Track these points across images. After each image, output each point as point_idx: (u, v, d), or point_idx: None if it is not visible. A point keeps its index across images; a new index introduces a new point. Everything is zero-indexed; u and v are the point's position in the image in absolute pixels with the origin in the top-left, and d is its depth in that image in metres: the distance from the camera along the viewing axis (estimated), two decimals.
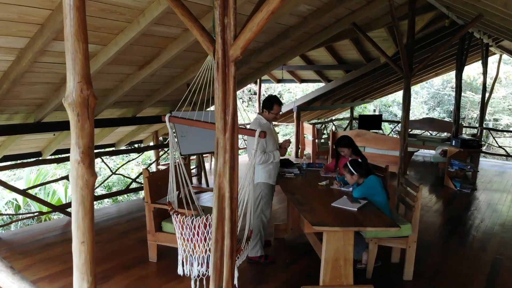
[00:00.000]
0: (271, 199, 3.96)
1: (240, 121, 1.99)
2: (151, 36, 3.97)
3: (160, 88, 5.50)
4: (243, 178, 2.40)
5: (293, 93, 19.20)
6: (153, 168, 7.76)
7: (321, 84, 9.85)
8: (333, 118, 13.78)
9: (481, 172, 8.26)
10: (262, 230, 3.90)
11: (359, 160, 3.79)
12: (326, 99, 10.69)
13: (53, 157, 5.99)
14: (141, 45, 4.11)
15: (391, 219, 3.13)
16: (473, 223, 5.32)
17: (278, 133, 11.85)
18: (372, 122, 10.58)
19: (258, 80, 10.23)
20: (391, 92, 13.41)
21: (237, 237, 2.00)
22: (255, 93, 17.19)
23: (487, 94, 9.30)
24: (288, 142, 4.04)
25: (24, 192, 5.22)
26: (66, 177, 5.64)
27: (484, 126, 9.55)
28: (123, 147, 7.55)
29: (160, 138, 7.74)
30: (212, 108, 6.08)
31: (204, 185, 6.89)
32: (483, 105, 9.18)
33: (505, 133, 17.17)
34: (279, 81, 10.66)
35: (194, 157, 7.37)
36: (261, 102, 4.73)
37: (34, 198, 5.57)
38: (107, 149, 6.98)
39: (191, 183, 3.85)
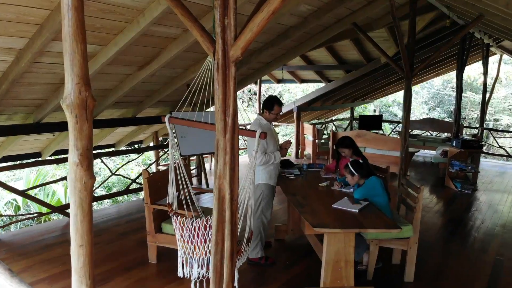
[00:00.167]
0: (272, 200, 3.94)
1: (240, 121, 1.97)
2: (150, 36, 3.95)
3: (160, 88, 5.48)
4: (244, 179, 2.38)
5: (293, 93, 19.18)
6: (153, 168, 7.74)
7: (322, 84, 9.83)
8: (333, 118, 13.77)
9: (481, 172, 8.24)
10: (263, 231, 3.88)
11: (360, 161, 3.78)
12: (326, 99, 10.67)
13: (52, 157, 5.97)
14: (141, 46, 4.09)
15: (392, 220, 3.11)
16: (474, 224, 5.31)
17: (278, 133, 11.83)
18: (373, 122, 10.56)
19: (258, 80, 10.21)
20: (391, 92, 13.40)
21: (237, 239, 1.99)
22: (255, 93, 17.18)
23: (487, 94, 9.28)
24: (288, 143, 4.02)
25: (23, 193, 5.20)
26: (66, 178, 5.61)
27: (484, 126, 9.53)
28: (123, 148, 7.53)
29: (160, 138, 7.72)
30: (212, 108, 6.07)
31: (204, 185, 6.87)
32: (484, 105, 9.16)
33: (505, 133, 17.15)
34: (279, 81, 10.64)
35: (194, 157, 7.35)
36: (261, 102, 4.71)
37: (33, 199, 5.55)
38: (107, 150, 6.96)
39: (191, 184, 3.83)
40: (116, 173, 7.28)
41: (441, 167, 8.07)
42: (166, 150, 7.58)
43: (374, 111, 20.26)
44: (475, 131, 10.93)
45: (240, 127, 1.96)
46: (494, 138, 12.43)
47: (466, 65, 7.89)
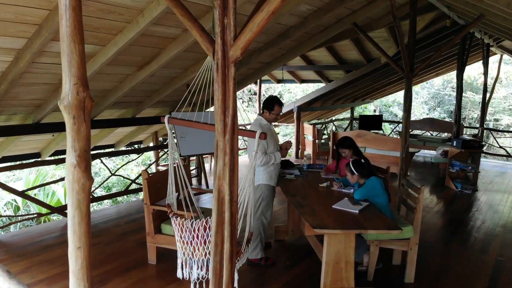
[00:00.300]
0: (272, 200, 3.93)
1: (240, 122, 1.96)
2: (150, 36, 3.94)
3: (159, 88, 5.47)
4: (243, 179, 2.37)
5: (293, 93, 19.17)
6: (153, 169, 7.73)
7: (322, 85, 9.82)
8: (334, 118, 13.76)
9: (482, 172, 8.23)
10: (263, 232, 3.87)
11: (362, 160, 3.76)
12: (326, 100, 10.66)
13: (52, 158, 5.96)
14: (140, 46, 4.08)
15: (392, 221, 3.10)
16: (475, 225, 5.29)
17: (278, 133, 11.81)
18: (373, 122, 10.55)
19: (258, 81, 10.20)
20: (391, 92, 13.39)
21: (237, 240, 1.97)
22: (255, 94, 17.16)
23: (487, 94, 9.27)
24: (289, 143, 4.01)
25: (22, 194, 5.19)
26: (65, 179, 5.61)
27: (484, 126, 9.52)
28: (123, 148, 7.52)
29: (160, 138, 7.71)
30: (212, 108, 6.05)
31: (204, 186, 6.86)
32: (484, 105, 9.15)
33: (505, 133, 17.13)
34: (279, 81, 10.63)
35: (194, 158, 7.34)
36: (262, 102, 4.70)
37: (32, 200, 5.54)
38: (107, 150, 6.95)
39: (191, 184, 3.82)
40: (116, 173, 7.27)
41: (442, 167, 8.06)
42: (166, 150, 7.57)
43: (374, 111, 20.25)
44: (476, 131, 10.91)
45: (240, 127, 1.95)
46: (495, 138, 12.41)
47: (466, 65, 7.89)
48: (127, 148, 8.41)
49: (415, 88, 19.86)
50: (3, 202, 8.68)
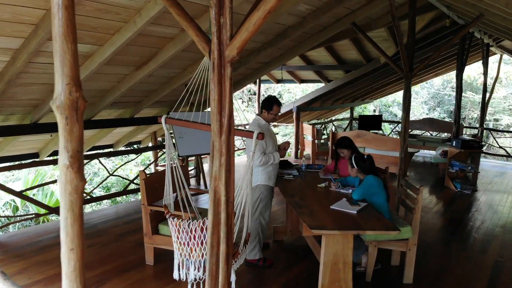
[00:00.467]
0: (271, 201, 3.91)
1: (239, 122, 1.94)
2: (147, 36, 3.92)
3: (157, 88, 5.45)
4: (241, 179, 2.35)
5: (293, 93, 19.16)
6: (151, 169, 7.71)
7: (321, 84, 9.81)
8: (333, 118, 13.74)
9: (481, 172, 8.21)
10: (261, 232, 3.85)
11: (365, 156, 3.75)
12: (326, 100, 10.64)
13: (50, 158, 5.94)
14: (138, 45, 4.06)
15: (391, 222, 3.09)
16: (474, 225, 5.28)
17: (277, 134, 11.80)
18: (372, 122, 10.54)
19: (257, 80, 10.18)
20: (391, 92, 13.37)
21: (233, 242, 1.96)
22: (254, 93, 17.16)
23: (487, 94, 9.25)
24: (287, 144, 4.00)
25: (20, 194, 5.17)
26: None
27: (484, 126, 9.50)
28: (121, 148, 7.51)
29: (159, 138, 7.69)
30: (210, 109, 6.04)
31: (202, 186, 6.84)
32: (484, 105, 9.13)
33: (505, 133, 17.12)
34: (278, 81, 10.61)
35: (193, 158, 7.32)
36: (261, 102, 4.69)
37: (30, 200, 5.52)
38: (105, 150, 6.94)
39: (189, 184, 3.80)
40: (115, 173, 7.25)
41: (441, 168, 8.05)
42: (164, 150, 7.54)
43: (374, 111, 20.23)
44: (475, 131, 10.90)
45: (239, 127, 1.93)
46: (494, 138, 12.40)
47: (466, 65, 7.87)
48: (126, 148, 8.40)
49: (415, 88, 19.85)
50: (1, 203, 8.66)
